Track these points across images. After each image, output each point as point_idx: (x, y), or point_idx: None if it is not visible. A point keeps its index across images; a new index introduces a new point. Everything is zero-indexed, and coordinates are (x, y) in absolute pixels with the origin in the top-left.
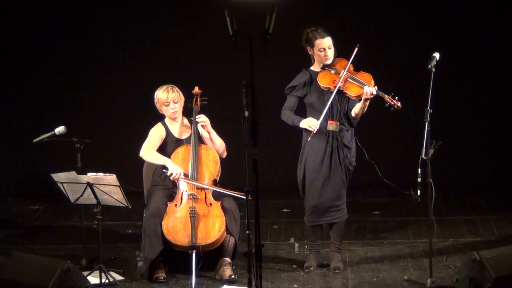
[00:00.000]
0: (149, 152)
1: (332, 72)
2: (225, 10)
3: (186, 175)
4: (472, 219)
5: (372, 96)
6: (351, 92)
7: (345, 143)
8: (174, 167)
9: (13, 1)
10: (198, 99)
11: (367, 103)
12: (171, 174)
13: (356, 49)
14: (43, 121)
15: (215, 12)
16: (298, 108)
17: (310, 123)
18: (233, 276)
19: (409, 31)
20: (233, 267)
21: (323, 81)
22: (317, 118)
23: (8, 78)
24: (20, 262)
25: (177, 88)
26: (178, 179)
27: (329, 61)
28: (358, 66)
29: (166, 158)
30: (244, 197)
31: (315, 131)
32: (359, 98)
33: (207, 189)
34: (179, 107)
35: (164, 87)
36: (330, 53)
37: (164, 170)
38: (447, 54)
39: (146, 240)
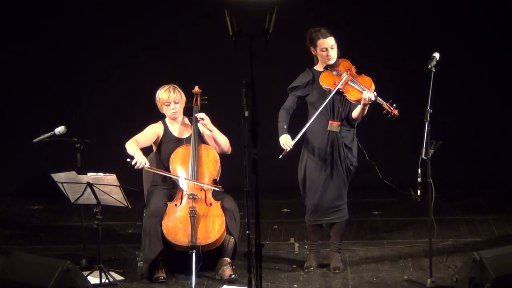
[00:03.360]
0: (129, 142)
1: (334, 73)
2: (225, 10)
3: (151, 166)
4: (472, 219)
5: (370, 102)
6: (351, 96)
7: (346, 143)
8: (140, 157)
9: (13, 1)
10: (198, 99)
11: (367, 108)
12: (135, 164)
13: (348, 74)
14: (43, 121)
15: (215, 12)
16: (300, 107)
17: (284, 141)
18: (233, 276)
19: (409, 31)
20: (233, 267)
21: (324, 82)
22: (317, 117)
23: (8, 78)
24: (20, 262)
25: (179, 89)
26: (142, 168)
27: (332, 61)
28: (360, 69)
29: (137, 149)
30: (218, 189)
31: (287, 150)
32: (358, 102)
33: (173, 178)
34: (179, 107)
35: (166, 87)
36: (333, 53)
37: (128, 160)
38: (447, 54)
39: (146, 240)
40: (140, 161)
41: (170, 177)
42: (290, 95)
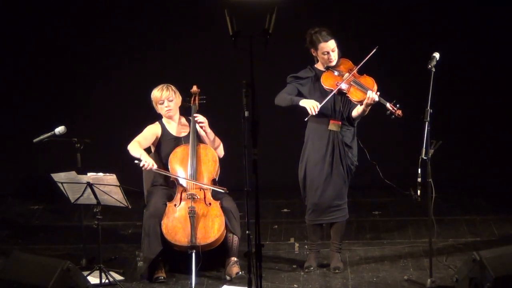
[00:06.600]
0: (132, 144)
1: (336, 74)
2: (225, 10)
3: (158, 168)
4: (472, 219)
5: (374, 102)
6: (354, 96)
7: (346, 142)
8: (148, 158)
9: (13, 1)
10: (197, 98)
11: (369, 108)
12: (143, 166)
13: (373, 51)
14: (43, 121)
15: (215, 12)
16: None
17: (311, 105)
18: (240, 273)
19: (409, 31)
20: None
21: (326, 83)
22: (318, 116)
23: (8, 78)
24: (20, 262)
25: (172, 87)
26: (150, 170)
27: (333, 63)
28: (361, 69)
29: (143, 151)
30: (223, 191)
31: (313, 114)
32: (360, 103)
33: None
34: (174, 105)
35: (160, 86)
36: (334, 55)
37: (136, 162)
38: (447, 54)
39: (145, 240)
40: (148, 163)
41: (175, 178)
42: (290, 84)
